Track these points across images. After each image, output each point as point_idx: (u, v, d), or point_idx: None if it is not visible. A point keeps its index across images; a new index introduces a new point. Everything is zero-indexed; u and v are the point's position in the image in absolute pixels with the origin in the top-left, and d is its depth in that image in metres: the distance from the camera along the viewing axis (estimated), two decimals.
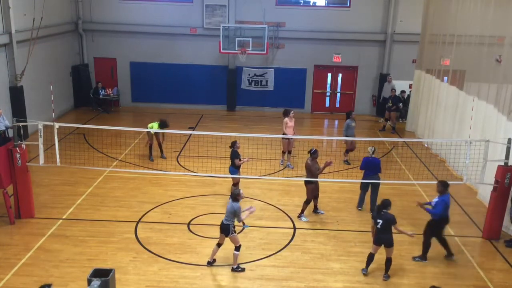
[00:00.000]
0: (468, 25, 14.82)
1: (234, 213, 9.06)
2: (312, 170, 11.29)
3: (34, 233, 10.50)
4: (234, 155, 12.02)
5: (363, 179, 11.88)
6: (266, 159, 14.91)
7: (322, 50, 21.70)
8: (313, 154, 11.31)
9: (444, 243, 9.95)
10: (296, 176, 14.05)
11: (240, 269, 9.36)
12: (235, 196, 9.08)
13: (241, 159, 11.98)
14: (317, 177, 11.40)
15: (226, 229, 9.16)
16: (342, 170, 14.59)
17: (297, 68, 22.00)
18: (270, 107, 22.39)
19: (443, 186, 9.66)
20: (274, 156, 15.28)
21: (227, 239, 9.31)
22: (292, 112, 14.73)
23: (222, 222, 9.22)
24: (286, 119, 14.63)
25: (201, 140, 16.07)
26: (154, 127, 14.72)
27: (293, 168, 14.85)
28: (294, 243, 10.47)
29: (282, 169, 14.81)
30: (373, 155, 11.77)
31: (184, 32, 21.44)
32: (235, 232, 9.24)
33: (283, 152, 15.16)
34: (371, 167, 11.73)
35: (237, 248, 9.27)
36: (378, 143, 16.74)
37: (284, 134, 14.61)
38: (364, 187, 12.11)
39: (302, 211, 11.60)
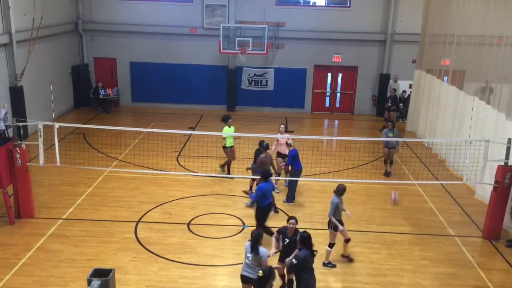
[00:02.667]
0: (468, 25, 14.82)
1: (335, 206, 9.41)
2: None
3: (34, 233, 10.49)
4: (259, 155, 12.00)
5: (295, 170, 12.14)
6: None
7: (322, 50, 21.71)
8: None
9: (267, 233, 9.83)
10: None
11: (331, 265, 9.61)
12: (341, 192, 9.53)
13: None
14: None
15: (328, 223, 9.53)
16: (341, 170, 14.56)
17: (297, 68, 22.00)
18: (270, 107, 22.41)
19: (261, 176, 10.26)
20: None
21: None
22: (281, 126, 13.19)
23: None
24: (277, 135, 13.09)
25: (201, 140, 16.07)
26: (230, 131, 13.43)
27: (278, 192, 12.65)
28: None
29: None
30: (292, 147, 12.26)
31: (184, 32, 21.45)
32: (332, 229, 9.44)
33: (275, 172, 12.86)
34: (297, 157, 12.14)
35: (330, 245, 9.52)
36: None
37: (277, 153, 13.19)
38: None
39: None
